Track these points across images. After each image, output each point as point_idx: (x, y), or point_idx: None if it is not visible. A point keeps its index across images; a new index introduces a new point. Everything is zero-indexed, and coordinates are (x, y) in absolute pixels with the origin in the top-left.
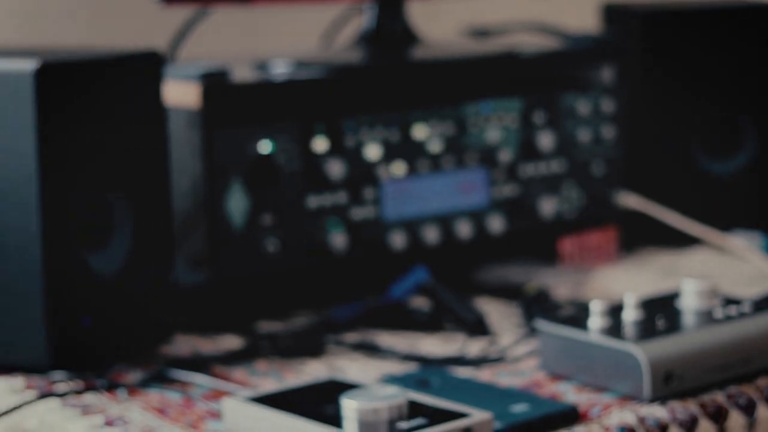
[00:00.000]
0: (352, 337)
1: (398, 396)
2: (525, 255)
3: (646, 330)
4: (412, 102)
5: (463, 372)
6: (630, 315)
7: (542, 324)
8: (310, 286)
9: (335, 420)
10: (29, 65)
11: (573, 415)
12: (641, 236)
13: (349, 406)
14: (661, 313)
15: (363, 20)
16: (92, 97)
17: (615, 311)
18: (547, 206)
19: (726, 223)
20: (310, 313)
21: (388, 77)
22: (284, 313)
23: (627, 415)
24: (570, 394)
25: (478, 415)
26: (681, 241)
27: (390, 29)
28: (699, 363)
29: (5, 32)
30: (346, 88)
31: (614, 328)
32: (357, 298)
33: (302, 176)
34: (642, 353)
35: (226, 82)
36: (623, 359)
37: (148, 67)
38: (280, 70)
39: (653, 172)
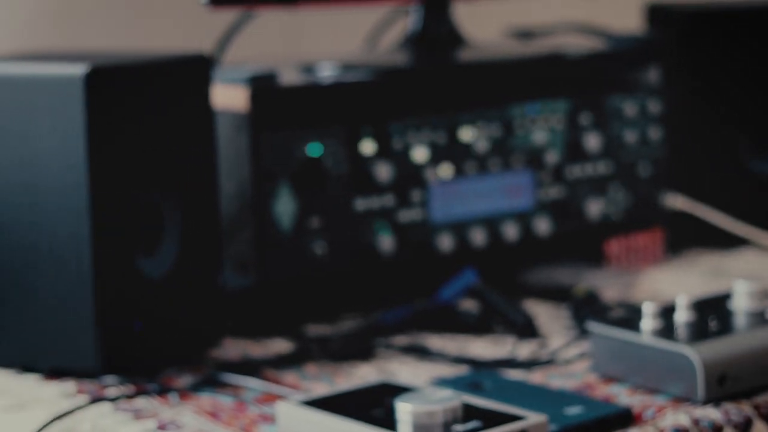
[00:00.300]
0: (401, 340)
1: (453, 399)
2: (571, 257)
3: (699, 331)
4: (459, 104)
5: (514, 375)
6: (682, 316)
7: (594, 326)
8: (357, 288)
9: (389, 423)
10: (79, 70)
11: (627, 417)
12: (687, 237)
13: (404, 409)
14: (713, 314)
15: (409, 22)
16: (141, 100)
17: (667, 313)
18: (594, 208)
19: None
20: (358, 316)
21: (435, 79)
22: (332, 316)
23: (681, 417)
24: (623, 396)
25: (533, 418)
26: (728, 241)
27: (436, 31)
28: (752, 364)
29: (49, 35)
30: (393, 91)
31: (667, 330)
32: (404, 300)
33: (349, 179)
34: (696, 355)
35: (274, 86)
36: (677, 361)
37: (196, 70)
38: (326, 72)
39: (699, 173)
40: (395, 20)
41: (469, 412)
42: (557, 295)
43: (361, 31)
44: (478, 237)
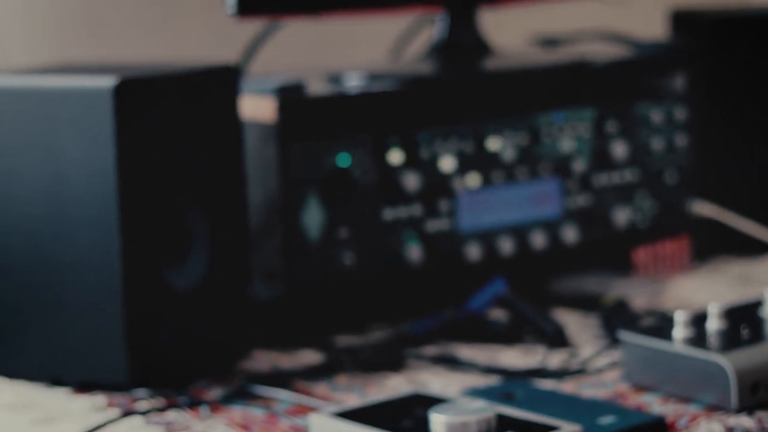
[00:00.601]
0: (431, 350)
1: (486, 409)
2: (599, 265)
3: (731, 340)
4: (486, 113)
5: (545, 384)
6: (714, 325)
7: (625, 335)
8: (386, 299)
9: None
10: (108, 82)
11: (661, 426)
12: (714, 244)
13: (438, 420)
14: (745, 322)
15: (435, 31)
16: (169, 112)
17: (698, 321)
18: (621, 216)
19: None
20: (387, 326)
21: (462, 88)
22: (361, 326)
23: (715, 426)
24: (655, 405)
25: (567, 428)
26: (755, 248)
27: (461, 39)
28: None
29: (76, 45)
30: (420, 100)
31: (699, 338)
32: (433, 310)
33: (377, 189)
34: (728, 363)
35: (302, 96)
36: (709, 369)
37: (224, 81)
38: (353, 82)
39: (725, 180)
40: (420, 29)
41: (503, 423)
42: (586, 303)
43: (387, 41)
44: (506, 246)
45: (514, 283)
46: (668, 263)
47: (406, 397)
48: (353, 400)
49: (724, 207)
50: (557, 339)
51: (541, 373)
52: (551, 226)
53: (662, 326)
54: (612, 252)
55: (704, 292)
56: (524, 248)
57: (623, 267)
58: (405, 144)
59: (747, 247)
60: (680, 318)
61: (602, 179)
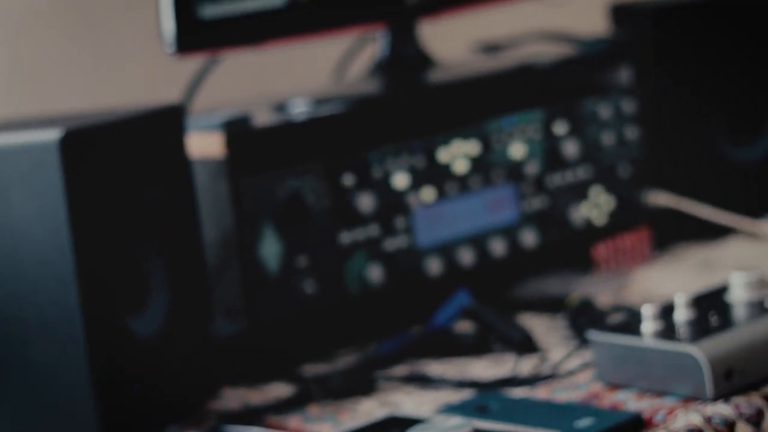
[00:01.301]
0: (401, 370)
1: (463, 426)
2: (560, 266)
3: (701, 329)
4: (435, 126)
5: (518, 392)
6: (682, 315)
7: (594, 334)
8: (351, 323)
9: None
10: (53, 135)
11: (639, 423)
12: (674, 233)
13: None
14: (712, 309)
15: (376, 48)
16: (118, 157)
17: (666, 313)
18: (578, 214)
19: (758, 209)
20: (354, 350)
21: (409, 104)
22: (328, 353)
23: (693, 417)
24: (631, 402)
25: None
26: (715, 233)
27: (404, 54)
28: (758, 355)
29: (15, 100)
30: (368, 120)
31: (668, 331)
32: (399, 329)
33: (332, 213)
34: (700, 353)
35: (248, 128)
36: (682, 361)
37: (169, 121)
38: (299, 109)
39: (679, 168)
40: (362, 48)
41: None
42: (551, 306)
43: (330, 63)
44: (466, 257)
45: (477, 293)
46: (629, 256)
47: (381, 421)
48: (327, 430)
49: (681, 194)
50: (526, 345)
51: (513, 381)
52: (509, 232)
53: (630, 322)
54: (572, 251)
55: (668, 282)
56: (484, 257)
57: (585, 265)
58: (356, 165)
59: (706, 232)
60: (648, 312)
61: (556, 179)
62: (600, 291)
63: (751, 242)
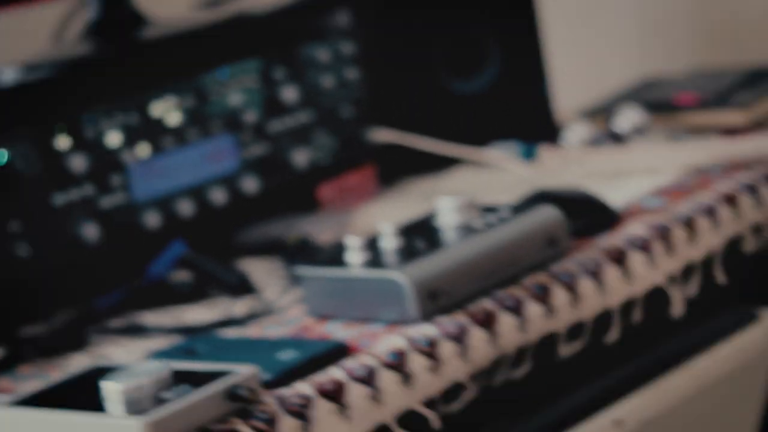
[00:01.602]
0: (117, 323)
1: (160, 368)
2: (286, 210)
3: (406, 254)
4: (149, 83)
5: (231, 334)
6: (389, 243)
7: (303, 269)
8: (69, 283)
9: (102, 406)
10: None
11: (342, 351)
12: (401, 168)
13: (110, 388)
14: (420, 235)
15: (88, 12)
16: None
17: (373, 243)
18: (301, 157)
19: (482, 139)
20: (75, 311)
21: (120, 63)
22: (49, 315)
23: (395, 340)
24: (339, 331)
25: (242, 371)
26: (441, 165)
27: (116, 16)
28: (463, 275)
29: None
30: (79, 83)
31: (374, 260)
32: (118, 285)
33: (45, 177)
34: (402, 276)
35: None
36: (386, 287)
37: None
38: (8, 76)
39: (404, 105)
40: (78, 12)
41: (179, 378)
42: (272, 248)
43: (47, 30)
44: (186, 208)
45: (199, 243)
46: (355, 195)
47: (85, 373)
48: (33, 386)
49: (409, 131)
50: (241, 287)
51: (226, 323)
52: (230, 181)
53: (337, 253)
54: (296, 195)
55: (391, 216)
56: (205, 207)
57: (310, 207)
58: (69, 129)
59: (433, 165)
60: (353, 243)
61: (276, 126)
62: (323, 230)
63: (475, 171)
